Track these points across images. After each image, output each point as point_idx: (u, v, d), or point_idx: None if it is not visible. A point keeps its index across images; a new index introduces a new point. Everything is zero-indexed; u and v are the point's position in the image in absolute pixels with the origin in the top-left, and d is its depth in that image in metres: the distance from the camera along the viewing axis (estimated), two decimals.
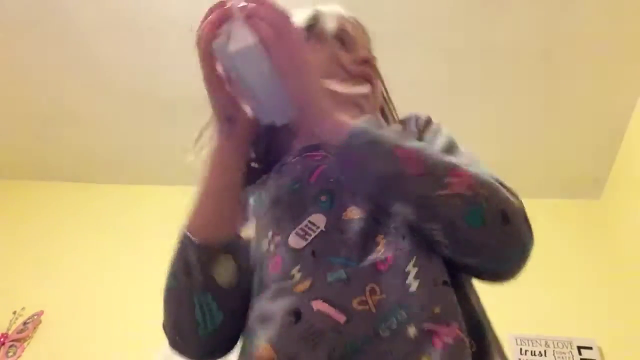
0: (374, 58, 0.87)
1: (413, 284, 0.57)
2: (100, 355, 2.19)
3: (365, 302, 0.57)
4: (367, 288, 0.58)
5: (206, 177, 0.72)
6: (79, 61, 2.34)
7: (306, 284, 0.60)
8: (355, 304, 0.57)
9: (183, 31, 2.17)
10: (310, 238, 0.64)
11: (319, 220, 0.65)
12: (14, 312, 2.35)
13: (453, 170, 0.60)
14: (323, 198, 0.67)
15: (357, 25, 0.94)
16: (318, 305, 0.58)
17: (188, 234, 0.70)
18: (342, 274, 0.60)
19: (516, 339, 2.09)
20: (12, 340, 2.25)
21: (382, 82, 0.91)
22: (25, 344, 2.26)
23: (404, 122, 0.82)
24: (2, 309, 2.36)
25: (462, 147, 0.75)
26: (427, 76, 2.20)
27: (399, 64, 2.18)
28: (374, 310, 0.57)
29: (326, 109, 0.64)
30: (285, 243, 0.65)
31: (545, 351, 2.06)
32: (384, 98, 0.92)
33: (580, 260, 2.35)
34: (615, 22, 1.97)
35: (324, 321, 0.57)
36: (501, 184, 0.65)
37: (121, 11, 2.13)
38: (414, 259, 0.59)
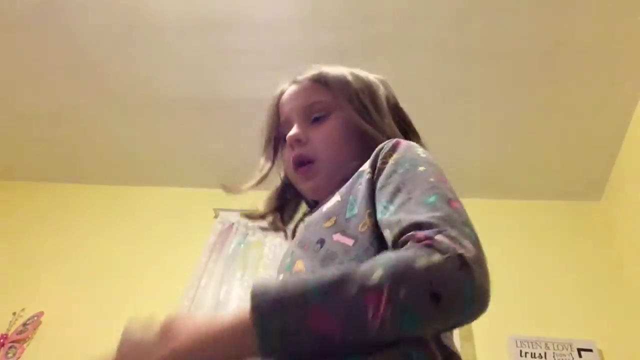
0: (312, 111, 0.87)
1: None
2: None
3: None
4: None
5: None
6: (78, 63, 2.34)
7: None
8: None
9: (181, 33, 2.18)
10: None
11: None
12: (14, 313, 2.35)
13: (366, 296, 0.52)
14: (288, 260, 0.75)
15: (298, 85, 0.92)
16: None
17: None
18: None
19: (516, 341, 2.09)
20: (12, 341, 2.25)
21: (351, 113, 0.87)
22: (25, 345, 2.25)
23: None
24: (2, 310, 2.36)
25: (421, 177, 0.66)
26: (428, 78, 2.20)
27: (400, 65, 2.19)
28: None
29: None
30: None
31: (545, 353, 2.06)
32: (359, 125, 0.86)
33: (580, 261, 2.35)
34: (616, 24, 1.97)
35: None
36: (429, 241, 0.55)
37: (120, 14, 2.14)
38: None
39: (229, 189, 0.92)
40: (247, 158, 1.05)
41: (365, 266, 0.55)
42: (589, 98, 2.21)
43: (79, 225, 2.72)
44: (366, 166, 0.74)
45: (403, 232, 0.58)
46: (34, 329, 2.30)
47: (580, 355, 2.04)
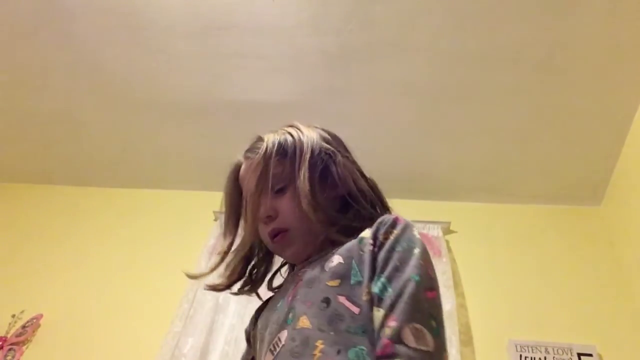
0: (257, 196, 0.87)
1: None
2: (99, 359, 2.19)
3: None
4: None
5: None
6: (80, 66, 2.34)
7: None
8: None
9: (182, 36, 2.18)
10: (276, 353, 0.74)
11: (283, 335, 0.74)
12: (13, 316, 2.34)
13: None
14: (290, 315, 0.76)
15: (253, 162, 0.91)
16: None
17: None
18: None
19: (516, 345, 2.09)
20: (11, 344, 2.25)
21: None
22: (24, 347, 2.25)
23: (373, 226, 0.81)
24: (1, 312, 2.35)
25: (414, 258, 0.74)
26: (427, 82, 2.20)
27: (400, 69, 2.19)
28: None
29: None
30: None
31: (545, 357, 2.05)
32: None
33: (580, 266, 2.35)
34: (616, 28, 1.98)
35: None
36: (393, 347, 0.64)
37: (122, 17, 2.14)
38: None
39: (194, 276, 0.96)
40: None
41: None
42: (589, 102, 2.21)
43: (79, 228, 2.72)
44: (367, 235, 0.79)
45: (386, 318, 0.67)
46: (33, 331, 2.30)
47: None
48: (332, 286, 0.74)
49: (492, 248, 2.44)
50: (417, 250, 0.74)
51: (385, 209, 0.92)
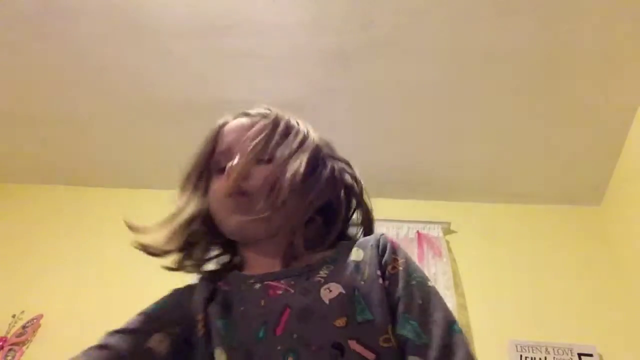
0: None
1: None
2: None
3: None
4: None
5: None
6: (80, 66, 2.34)
7: None
8: None
9: (183, 37, 2.18)
10: None
11: None
12: (13, 316, 2.34)
13: None
14: (287, 357, 0.62)
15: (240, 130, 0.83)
16: None
17: None
18: None
19: (516, 345, 2.09)
20: (11, 344, 2.25)
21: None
22: (24, 347, 2.25)
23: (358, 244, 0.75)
24: (2, 313, 2.35)
25: (434, 294, 0.69)
26: (428, 82, 2.20)
27: (400, 69, 2.19)
28: None
29: None
30: None
31: (545, 357, 2.05)
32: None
33: (580, 266, 2.35)
34: (617, 30, 1.98)
35: None
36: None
37: (123, 17, 2.14)
38: None
39: (136, 228, 0.82)
40: None
41: None
42: (590, 103, 2.21)
43: (79, 228, 2.72)
44: (365, 259, 0.72)
45: None
46: (33, 331, 2.30)
47: None
48: (339, 327, 0.63)
49: (492, 248, 2.44)
50: (430, 283, 0.70)
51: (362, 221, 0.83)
